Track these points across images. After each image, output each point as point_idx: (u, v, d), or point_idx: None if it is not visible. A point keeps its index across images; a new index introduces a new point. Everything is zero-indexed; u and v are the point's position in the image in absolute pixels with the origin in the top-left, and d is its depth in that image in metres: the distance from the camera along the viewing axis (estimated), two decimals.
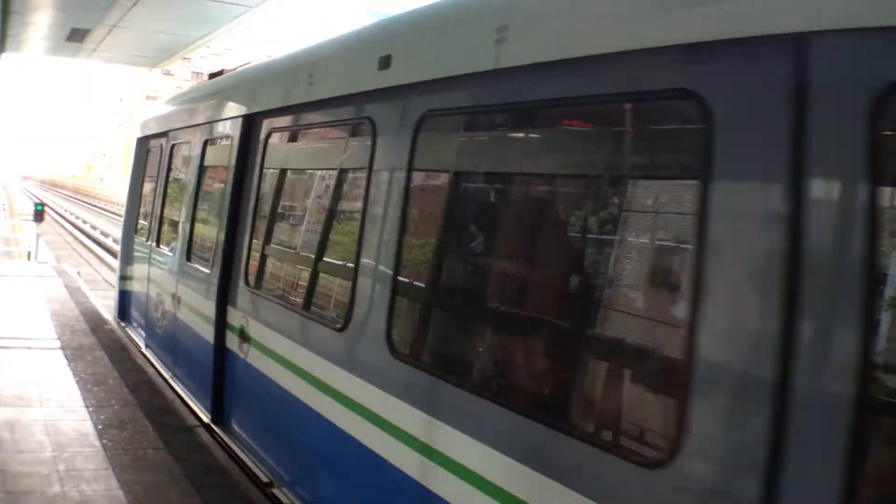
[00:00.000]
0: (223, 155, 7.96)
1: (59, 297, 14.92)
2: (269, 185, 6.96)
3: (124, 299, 12.41)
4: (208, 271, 7.76)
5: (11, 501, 5.79)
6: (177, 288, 8.81)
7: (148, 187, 11.71)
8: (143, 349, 10.42)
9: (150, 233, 10.75)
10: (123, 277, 12.43)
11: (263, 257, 6.86)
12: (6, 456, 6.64)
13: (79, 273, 19.79)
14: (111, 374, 9.57)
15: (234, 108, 7.76)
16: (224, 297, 7.22)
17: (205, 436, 7.56)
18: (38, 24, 13.51)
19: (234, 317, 7.06)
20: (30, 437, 7.17)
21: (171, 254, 9.35)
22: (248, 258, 6.89)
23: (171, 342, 9.18)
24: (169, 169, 10.24)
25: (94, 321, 12.88)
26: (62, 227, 48.82)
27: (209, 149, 8.58)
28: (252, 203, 6.94)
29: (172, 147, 10.12)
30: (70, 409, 8.05)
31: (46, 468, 6.44)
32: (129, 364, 10.13)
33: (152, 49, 15.19)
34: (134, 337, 11.27)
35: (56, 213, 58.83)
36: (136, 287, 11.64)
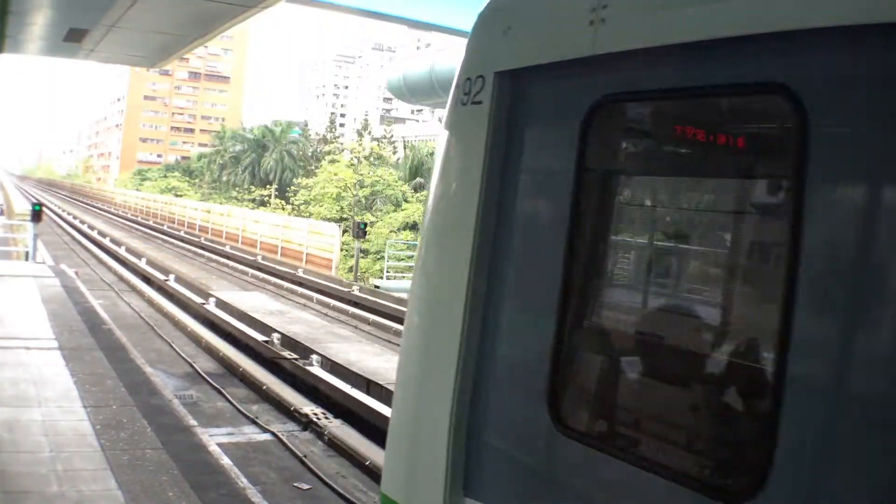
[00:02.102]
0: None
1: (56, 297, 14.93)
2: None
3: None
4: None
5: (10, 501, 5.79)
6: None
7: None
8: None
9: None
10: None
11: None
12: (5, 456, 6.64)
13: (76, 273, 19.78)
14: (109, 374, 9.58)
15: None
16: None
17: (204, 436, 7.58)
18: (36, 25, 13.51)
19: None
20: (28, 437, 7.18)
21: None
22: None
23: None
24: None
25: (92, 321, 12.89)
26: (60, 227, 48.78)
27: None
28: None
29: None
30: (68, 410, 8.05)
31: (45, 468, 6.44)
32: (126, 364, 10.14)
33: (150, 49, 15.21)
34: None
35: (54, 213, 58.82)
36: None
